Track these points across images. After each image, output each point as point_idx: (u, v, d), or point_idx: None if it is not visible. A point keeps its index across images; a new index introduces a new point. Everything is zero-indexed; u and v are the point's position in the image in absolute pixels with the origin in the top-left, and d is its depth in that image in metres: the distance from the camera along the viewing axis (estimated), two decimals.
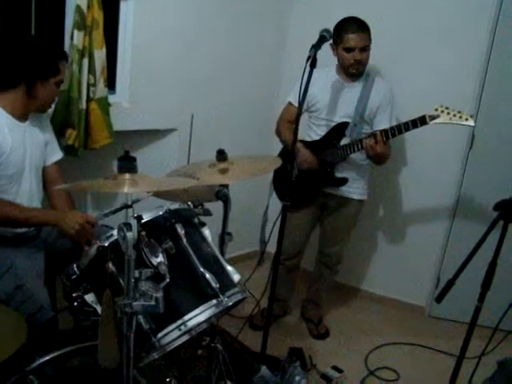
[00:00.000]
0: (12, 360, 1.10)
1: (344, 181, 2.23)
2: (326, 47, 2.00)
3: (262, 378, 1.84)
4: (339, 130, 2.18)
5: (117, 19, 2.27)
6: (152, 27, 2.33)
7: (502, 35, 2.36)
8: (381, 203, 2.89)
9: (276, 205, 2.04)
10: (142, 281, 1.16)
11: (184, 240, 1.30)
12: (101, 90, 2.10)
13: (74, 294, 1.30)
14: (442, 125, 1.89)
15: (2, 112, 1.57)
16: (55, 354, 1.40)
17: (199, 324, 1.25)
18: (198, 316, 1.23)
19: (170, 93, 2.53)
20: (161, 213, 1.32)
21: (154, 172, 1.37)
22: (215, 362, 1.61)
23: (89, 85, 2.04)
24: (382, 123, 2.15)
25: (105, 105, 2.15)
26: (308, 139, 2.29)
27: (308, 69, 1.69)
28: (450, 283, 1.40)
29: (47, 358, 1.38)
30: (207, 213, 1.44)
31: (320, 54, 1.72)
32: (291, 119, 2.21)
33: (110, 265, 1.23)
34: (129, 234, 1.09)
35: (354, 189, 2.28)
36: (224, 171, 1.42)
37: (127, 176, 1.16)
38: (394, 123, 2.14)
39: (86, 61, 1.99)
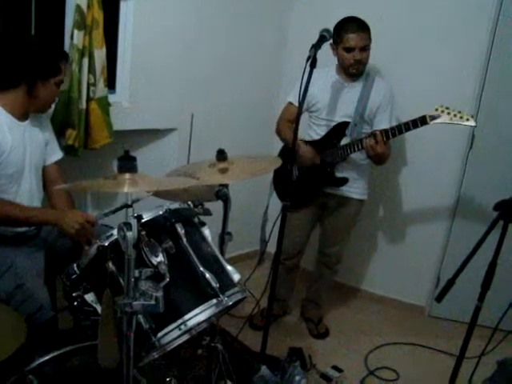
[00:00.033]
0: (11, 360, 1.10)
1: (344, 181, 2.23)
2: (326, 47, 2.00)
3: (261, 378, 1.84)
4: (339, 129, 2.18)
5: (117, 19, 2.27)
6: (152, 27, 2.33)
7: (502, 35, 2.36)
8: (381, 203, 2.89)
9: (276, 205, 2.04)
10: (142, 280, 1.16)
11: (184, 239, 1.30)
12: (101, 89, 2.10)
13: (73, 294, 1.30)
14: (442, 125, 1.89)
15: (2, 111, 1.57)
16: (55, 353, 1.40)
17: (199, 323, 1.25)
18: (197, 315, 1.23)
19: (170, 92, 2.53)
20: (161, 212, 1.32)
21: (154, 172, 1.37)
22: (215, 362, 1.61)
23: (89, 84, 2.04)
24: (382, 123, 2.15)
25: (105, 104, 2.15)
26: (308, 139, 2.29)
27: (308, 69, 1.69)
28: (450, 283, 1.40)
29: (47, 357, 1.38)
30: (207, 212, 1.44)
31: (320, 54, 1.72)
32: (291, 119, 2.21)
33: (110, 264, 1.23)
34: (129, 234, 1.09)
35: (354, 189, 2.28)
36: (224, 171, 1.42)
37: (127, 176, 1.16)
38: (394, 123, 2.14)
39: (86, 60, 1.99)
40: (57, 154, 1.85)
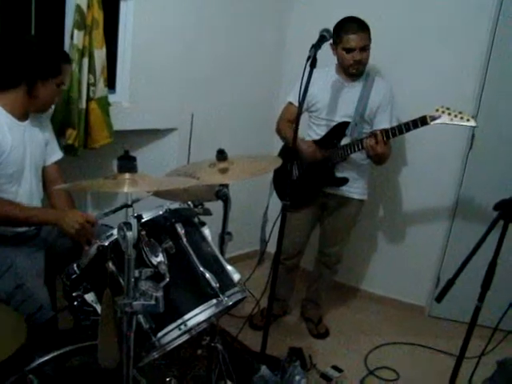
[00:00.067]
0: (12, 360, 1.10)
1: (344, 181, 2.23)
2: (326, 47, 2.00)
3: (261, 378, 1.84)
4: (340, 129, 2.18)
5: (117, 19, 2.28)
6: (152, 27, 2.33)
7: (502, 35, 2.36)
8: (381, 203, 2.89)
9: (276, 204, 2.04)
10: (142, 280, 1.16)
11: (184, 239, 1.30)
12: (101, 89, 2.10)
13: (73, 294, 1.30)
14: (442, 125, 1.89)
15: (2, 111, 1.57)
16: (55, 353, 1.40)
17: (199, 323, 1.25)
18: (197, 315, 1.23)
19: (170, 92, 2.53)
20: (161, 212, 1.32)
21: (154, 172, 1.37)
22: (215, 362, 1.61)
23: (89, 84, 2.04)
24: (383, 123, 2.15)
25: (105, 104, 2.15)
26: (308, 139, 2.29)
27: (308, 69, 1.69)
28: (450, 283, 1.40)
29: (47, 357, 1.38)
30: (207, 212, 1.44)
31: (320, 54, 1.72)
32: (291, 118, 2.21)
33: (110, 264, 1.23)
34: (129, 234, 1.09)
35: (355, 189, 2.28)
36: (224, 171, 1.42)
37: (127, 176, 1.16)
38: (395, 123, 2.14)
39: (85, 60, 1.99)
40: (57, 154, 1.85)
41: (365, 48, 2.08)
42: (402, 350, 2.45)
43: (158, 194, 1.48)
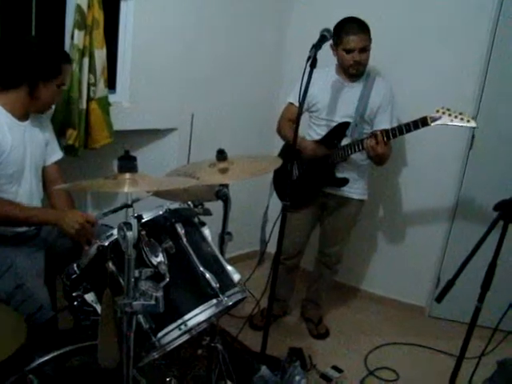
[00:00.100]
0: (12, 360, 1.10)
1: (345, 181, 2.23)
2: (327, 47, 2.00)
3: (261, 378, 1.84)
4: (340, 130, 2.18)
5: (117, 19, 2.28)
6: (152, 27, 2.34)
7: (503, 35, 2.36)
8: (381, 203, 2.89)
9: (276, 205, 2.04)
10: (142, 280, 1.16)
11: (184, 239, 1.30)
12: (101, 89, 2.10)
13: (73, 294, 1.30)
14: (442, 126, 1.89)
15: (2, 111, 1.57)
16: (55, 353, 1.40)
17: (199, 324, 1.25)
18: (197, 315, 1.23)
19: (170, 93, 2.53)
20: (161, 212, 1.32)
21: (154, 172, 1.37)
22: (215, 362, 1.61)
23: (89, 84, 2.04)
24: (383, 123, 2.15)
25: (105, 104, 2.15)
26: (308, 139, 2.29)
27: (308, 69, 1.69)
28: (450, 283, 1.40)
29: (47, 357, 1.38)
30: (207, 212, 1.44)
31: (320, 54, 1.72)
32: (292, 118, 2.21)
33: (110, 264, 1.23)
34: (129, 234, 1.09)
35: (355, 189, 2.28)
36: (224, 171, 1.42)
37: (127, 175, 1.16)
38: (395, 123, 2.14)
39: (86, 60, 1.99)
40: (57, 154, 1.85)
41: (365, 49, 2.08)
42: (402, 351, 2.45)
43: (158, 194, 1.49)
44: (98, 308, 1.27)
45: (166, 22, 2.39)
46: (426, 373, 2.27)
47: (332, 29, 1.90)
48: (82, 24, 1.93)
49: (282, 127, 2.33)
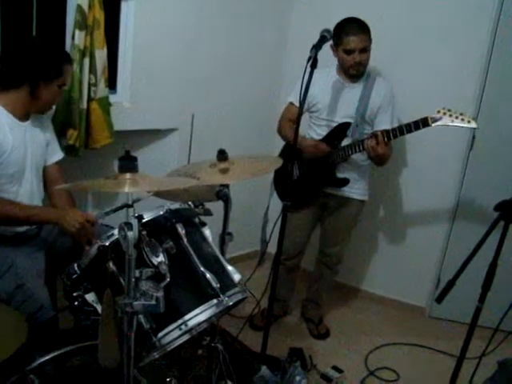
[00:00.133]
0: (12, 359, 1.10)
1: (345, 181, 2.23)
2: (327, 46, 2.00)
3: (262, 378, 1.84)
4: (341, 130, 2.18)
5: (118, 19, 2.28)
6: (153, 27, 2.34)
7: (503, 35, 2.36)
8: (381, 204, 2.89)
9: (277, 205, 2.04)
10: (143, 280, 1.17)
11: (185, 240, 1.30)
12: (102, 89, 2.10)
13: (74, 294, 1.30)
14: (443, 127, 1.88)
15: (3, 111, 1.57)
16: (56, 353, 1.40)
17: (200, 324, 1.25)
18: (198, 316, 1.23)
19: (171, 93, 2.53)
20: (161, 212, 1.32)
21: (155, 172, 1.37)
22: (215, 362, 1.61)
23: (90, 85, 2.04)
24: (383, 124, 2.15)
25: (106, 105, 2.15)
26: (308, 139, 2.29)
27: (309, 69, 1.69)
28: (451, 284, 1.40)
29: (48, 357, 1.38)
30: (208, 213, 1.44)
31: (320, 54, 1.72)
32: (292, 118, 2.21)
33: (111, 264, 1.23)
34: (130, 234, 1.09)
35: (355, 189, 2.28)
36: (225, 171, 1.42)
37: (128, 176, 1.16)
38: (396, 123, 2.14)
39: (87, 60, 1.99)
40: (58, 155, 1.85)
41: (365, 49, 2.08)
42: (403, 351, 2.45)
43: (158, 194, 1.49)
44: (99, 308, 1.27)
45: (167, 21, 2.39)
46: (426, 373, 2.27)
47: (332, 29, 1.90)
48: (82, 24, 1.94)
49: (283, 127, 2.33)
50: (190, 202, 1.45)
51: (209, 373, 1.63)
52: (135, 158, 1.18)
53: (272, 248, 2.11)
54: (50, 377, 1.43)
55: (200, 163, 1.50)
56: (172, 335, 1.21)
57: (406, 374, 2.23)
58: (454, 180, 2.62)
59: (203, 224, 1.42)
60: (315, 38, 1.74)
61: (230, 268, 1.38)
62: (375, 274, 2.99)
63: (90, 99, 2.07)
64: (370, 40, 2.08)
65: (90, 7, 1.94)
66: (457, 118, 1.86)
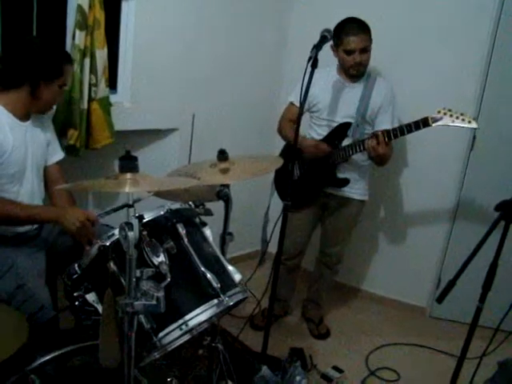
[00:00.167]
0: (13, 359, 1.10)
1: (346, 182, 2.23)
2: (327, 46, 2.00)
3: (262, 378, 1.84)
4: (341, 130, 2.18)
5: (118, 19, 2.28)
6: (153, 27, 2.34)
7: (504, 36, 2.35)
8: (382, 204, 2.89)
9: (277, 205, 2.04)
10: (144, 280, 1.17)
11: (185, 240, 1.30)
12: (102, 89, 2.11)
13: (75, 294, 1.30)
14: (443, 127, 1.88)
15: (3, 111, 1.57)
16: (56, 353, 1.40)
17: (200, 324, 1.25)
18: (199, 316, 1.23)
19: (171, 93, 2.53)
20: (162, 212, 1.32)
21: (155, 172, 1.37)
22: (216, 362, 1.61)
23: (90, 85, 2.04)
24: (384, 124, 2.15)
25: (106, 105, 2.15)
26: (309, 139, 2.29)
27: (309, 69, 1.69)
28: (451, 284, 1.40)
29: (48, 357, 1.38)
30: (208, 213, 1.44)
31: (321, 54, 1.72)
32: (293, 118, 2.21)
33: (112, 264, 1.23)
34: (130, 234, 1.09)
35: (356, 189, 2.28)
36: (225, 171, 1.42)
37: (128, 176, 1.16)
38: (396, 124, 2.14)
39: (87, 61, 1.99)
40: (58, 155, 1.85)
41: (365, 49, 2.07)
42: (403, 351, 2.45)
43: (159, 194, 1.49)
44: (100, 308, 1.27)
45: (167, 21, 2.39)
46: (426, 373, 2.27)
47: (332, 29, 1.90)
48: (83, 24, 1.94)
49: (283, 127, 2.33)
50: (190, 202, 1.45)
51: (209, 373, 1.63)
52: (136, 158, 1.19)
53: (272, 248, 2.11)
54: (50, 377, 1.43)
55: (200, 163, 1.50)
56: (173, 335, 1.21)
57: (407, 374, 2.23)
58: (455, 180, 2.62)
59: (204, 224, 1.43)
60: (315, 38, 1.74)
61: (230, 268, 1.38)
62: (375, 274, 2.99)
63: (90, 99, 2.07)
64: (370, 40, 2.08)
65: (90, 7, 1.94)
66: (457, 118, 1.86)
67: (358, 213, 2.37)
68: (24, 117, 1.65)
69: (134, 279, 1.13)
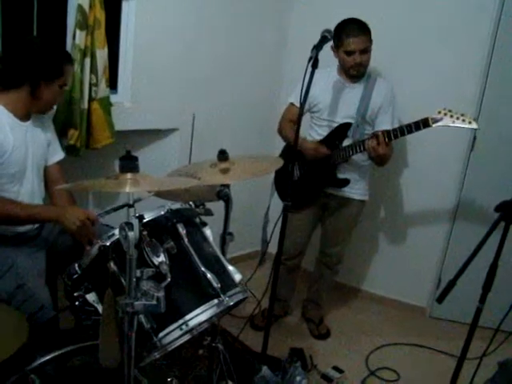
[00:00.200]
0: (13, 359, 1.10)
1: (346, 182, 2.23)
2: (327, 47, 1.99)
3: (262, 378, 1.84)
4: (342, 130, 2.18)
5: (119, 19, 2.28)
6: (153, 27, 2.34)
7: (504, 36, 2.35)
8: (382, 204, 2.89)
9: (277, 205, 2.04)
10: (144, 280, 1.17)
11: (185, 240, 1.30)
12: (102, 89, 2.11)
13: (75, 294, 1.30)
14: (443, 127, 1.88)
15: (4, 111, 1.57)
16: (56, 353, 1.40)
17: (200, 324, 1.25)
18: (199, 316, 1.23)
19: (172, 93, 2.53)
20: (162, 212, 1.32)
21: (156, 172, 1.37)
22: (216, 362, 1.61)
23: (91, 85, 2.04)
24: (384, 124, 2.15)
25: (106, 105, 2.15)
26: (309, 139, 2.29)
27: (310, 69, 1.69)
28: (451, 284, 1.40)
29: (48, 357, 1.38)
30: (208, 213, 1.44)
31: (321, 54, 1.72)
32: (293, 119, 2.21)
33: (112, 264, 1.23)
34: (130, 234, 1.09)
35: (356, 189, 2.28)
36: (225, 171, 1.42)
37: (129, 176, 1.16)
38: (396, 124, 2.14)
39: (87, 60, 1.99)
40: (59, 154, 1.85)
41: (366, 50, 2.07)
42: (403, 351, 2.45)
43: (159, 194, 1.49)
44: (100, 308, 1.27)
45: (167, 21, 2.39)
46: (426, 373, 2.27)
47: (332, 30, 1.90)
48: (83, 24, 1.94)
49: (283, 128, 2.33)
50: (190, 202, 1.45)
51: (209, 373, 1.63)
52: (136, 158, 1.19)
53: (273, 248, 2.11)
54: (50, 377, 1.43)
55: (201, 163, 1.50)
56: (173, 335, 1.21)
57: (407, 374, 2.23)
58: (455, 180, 2.62)
59: (204, 224, 1.43)
60: (315, 38, 1.74)
61: (230, 268, 1.38)
62: (376, 274, 2.99)
63: (90, 99, 2.07)
64: (370, 41, 2.08)
65: (90, 7, 1.94)
66: (458, 118, 1.86)
67: (358, 213, 2.37)
68: (24, 117, 1.65)
69: (135, 279, 1.13)
